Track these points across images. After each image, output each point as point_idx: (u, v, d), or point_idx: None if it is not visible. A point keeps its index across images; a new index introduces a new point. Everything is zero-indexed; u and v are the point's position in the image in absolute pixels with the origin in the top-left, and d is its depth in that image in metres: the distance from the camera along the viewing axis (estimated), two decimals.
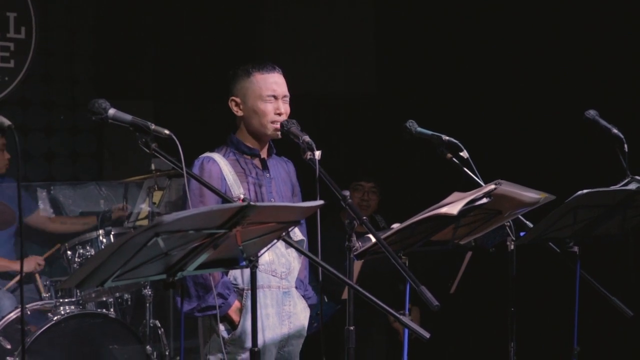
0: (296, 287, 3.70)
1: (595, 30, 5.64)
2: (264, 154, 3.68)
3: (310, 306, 3.77)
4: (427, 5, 6.50)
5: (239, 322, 3.53)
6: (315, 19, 7.01)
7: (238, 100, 3.63)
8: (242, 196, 3.50)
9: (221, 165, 3.57)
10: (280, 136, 3.58)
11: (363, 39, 6.98)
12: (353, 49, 6.98)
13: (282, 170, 3.75)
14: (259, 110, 3.59)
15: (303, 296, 3.74)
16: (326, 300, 5.38)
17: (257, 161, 3.66)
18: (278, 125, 3.55)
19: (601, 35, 5.62)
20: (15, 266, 5.41)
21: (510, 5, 6.01)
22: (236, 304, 3.53)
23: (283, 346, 3.65)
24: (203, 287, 3.47)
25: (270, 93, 3.59)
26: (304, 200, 3.70)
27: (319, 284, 3.42)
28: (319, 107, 6.64)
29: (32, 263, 5.36)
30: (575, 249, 3.81)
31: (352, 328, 3.15)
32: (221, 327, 3.53)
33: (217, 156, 3.61)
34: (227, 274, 3.56)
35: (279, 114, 3.58)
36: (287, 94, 3.64)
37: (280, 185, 3.70)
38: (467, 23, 6.30)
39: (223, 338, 3.53)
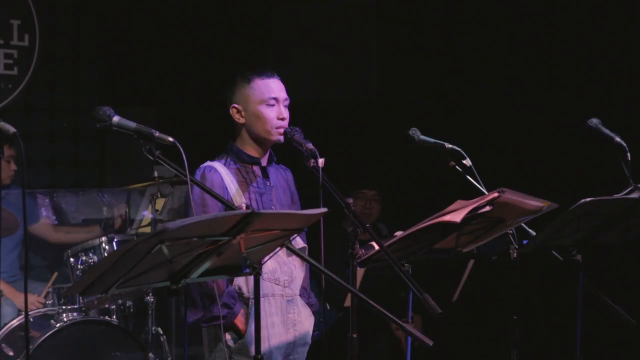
0: (300, 295, 3.70)
1: (599, 38, 5.64)
2: (264, 162, 3.68)
3: (313, 313, 3.77)
4: (430, 11, 6.50)
5: (246, 331, 3.53)
6: (316, 25, 7.01)
7: (239, 107, 3.63)
8: (243, 205, 3.50)
9: (223, 175, 3.57)
10: (282, 141, 3.58)
11: (364, 44, 6.99)
12: (354, 55, 6.98)
13: (281, 179, 3.75)
14: (262, 116, 3.59)
15: (307, 303, 3.74)
16: (328, 307, 5.38)
17: (257, 169, 3.66)
18: (282, 131, 3.56)
19: (604, 42, 5.63)
20: (18, 299, 5.38)
21: (513, 12, 6.02)
22: (242, 312, 3.53)
23: (288, 354, 3.65)
24: (209, 297, 3.46)
25: (272, 96, 3.59)
26: (305, 208, 3.70)
27: (322, 291, 3.42)
28: (320, 113, 6.63)
29: (29, 301, 5.26)
30: (578, 257, 3.81)
31: (354, 335, 3.16)
32: (227, 337, 3.53)
33: (218, 165, 3.60)
34: (231, 283, 3.56)
35: (282, 119, 3.59)
36: (288, 98, 3.65)
37: (280, 193, 3.71)
38: (469, 29, 6.30)
39: (229, 347, 3.53)
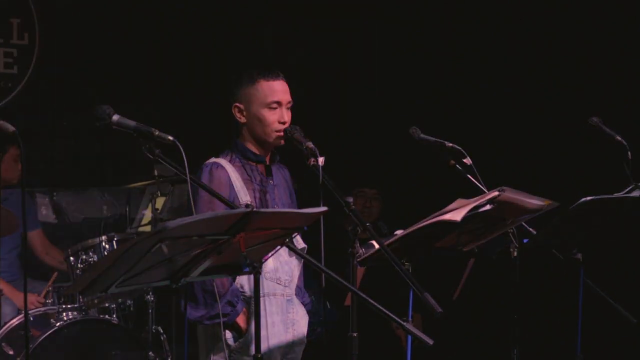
0: (295, 294, 3.70)
1: (600, 37, 5.64)
2: (267, 160, 3.68)
3: (307, 312, 3.76)
4: (430, 10, 6.50)
5: (247, 330, 3.52)
6: (317, 24, 7.01)
7: (242, 106, 3.61)
8: (247, 202, 3.49)
9: (229, 172, 3.56)
10: (283, 143, 3.58)
11: (365, 42, 6.98)
12: (355, 53, 6.98)
13: (281, 177, 3.75)
14: (262, 119, 3.57)
15: (301, 302, 3.73)
16: (329, 306, 5.38)
17: (261, 167, 3.66)
18: (281, 134, 3.54)
19: (605, 41, 5.62)
20: (18, 299, 5.38)
21: (514, 11, 6.02)
22: (244, 311, 3.52)
23: (287, 353, 3.64)
24: (211, 295, 3.45)
25: (275, 99, 3.57)
26: (305, 206, 3.70)
27: (322, 290, 3.42)
28: (320, 112, 6.64)
29: (29, 301, 5.24)
30: (579, 255, 3.81)
31: (355, 334, 3.15)
32: (228, 335, 3.52)
33: (224, 162, 3.59)
34: (234, 281, 3.55)
35: (283, 123, 3.57)
36: (291, 100, 3.63)
37: (281, 191, 3.70)
38: (471, 28, 6.30)
39: (229, 346, 3.52)
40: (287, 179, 3.77)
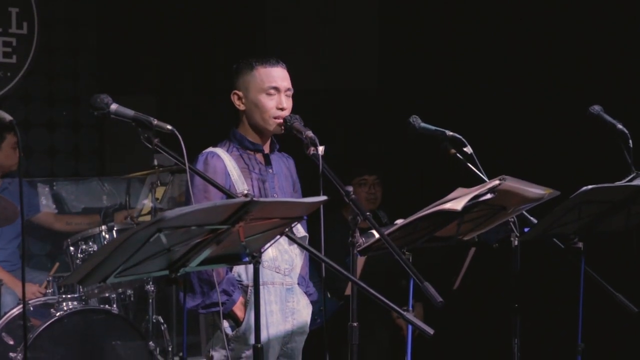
0: (298, 284, 3.69)
1: (599, 25, 5.62)
2: (266, 149, 3.66)
3: (311, 302, 3.75)
4: (431, 6, 6.48)
5: (244, 318, 3.52)
6: (318, 14, 6.99)
7: (240, 93, 3.61)
8: (245, 191, 3.48)
9: (225, 161, 3.55)
10: (283, 131, 3.56)
11: (366, 33, 6.97)
12: (356, 44, 6.96)
13: (283, 166, 3.73)
14: (260, 104, 3.56)
15: (305, 292, 3.72)
16: (329, 296, 5.37)
17: (260, 156, 3.65)
18: (281, 121, 3.53)
19: (605, 30, 5.60)
20: (19, 289, 5.38)
21: (513, 1, 6.00)
22: (240, 300, 3.52)
23: (286, 343, 3.64)
24: (207, 284, 3.45)
25: (273, 85, 3.56)
26: (305, 196, 3.69)
27: (322, 280, 3.41)
28: (321, 102, 6.62)
29: (30, 291, 5.26)
30: (580, 244, 3.80)
31: (355, 324, 3.15)
32: (225, 324, 3.52)
33: (220, 151, 3.58)
34: (231, 270, 3.55)
35: (281, 109, 3.56)
36: (291, 88, 3.62)
37: (282, 181, 3.69)
38: (470, 18, 6.28)
39: (227, 335, 3.52)
40: (290, 168, 3.76)
